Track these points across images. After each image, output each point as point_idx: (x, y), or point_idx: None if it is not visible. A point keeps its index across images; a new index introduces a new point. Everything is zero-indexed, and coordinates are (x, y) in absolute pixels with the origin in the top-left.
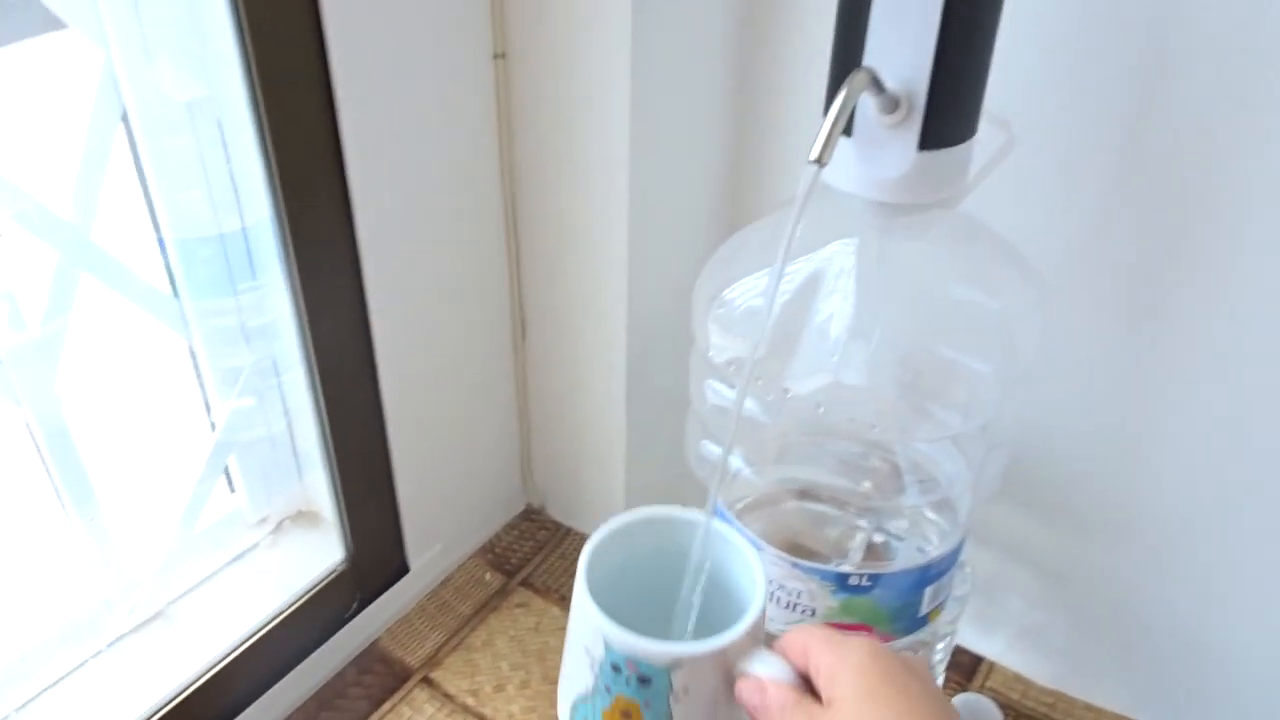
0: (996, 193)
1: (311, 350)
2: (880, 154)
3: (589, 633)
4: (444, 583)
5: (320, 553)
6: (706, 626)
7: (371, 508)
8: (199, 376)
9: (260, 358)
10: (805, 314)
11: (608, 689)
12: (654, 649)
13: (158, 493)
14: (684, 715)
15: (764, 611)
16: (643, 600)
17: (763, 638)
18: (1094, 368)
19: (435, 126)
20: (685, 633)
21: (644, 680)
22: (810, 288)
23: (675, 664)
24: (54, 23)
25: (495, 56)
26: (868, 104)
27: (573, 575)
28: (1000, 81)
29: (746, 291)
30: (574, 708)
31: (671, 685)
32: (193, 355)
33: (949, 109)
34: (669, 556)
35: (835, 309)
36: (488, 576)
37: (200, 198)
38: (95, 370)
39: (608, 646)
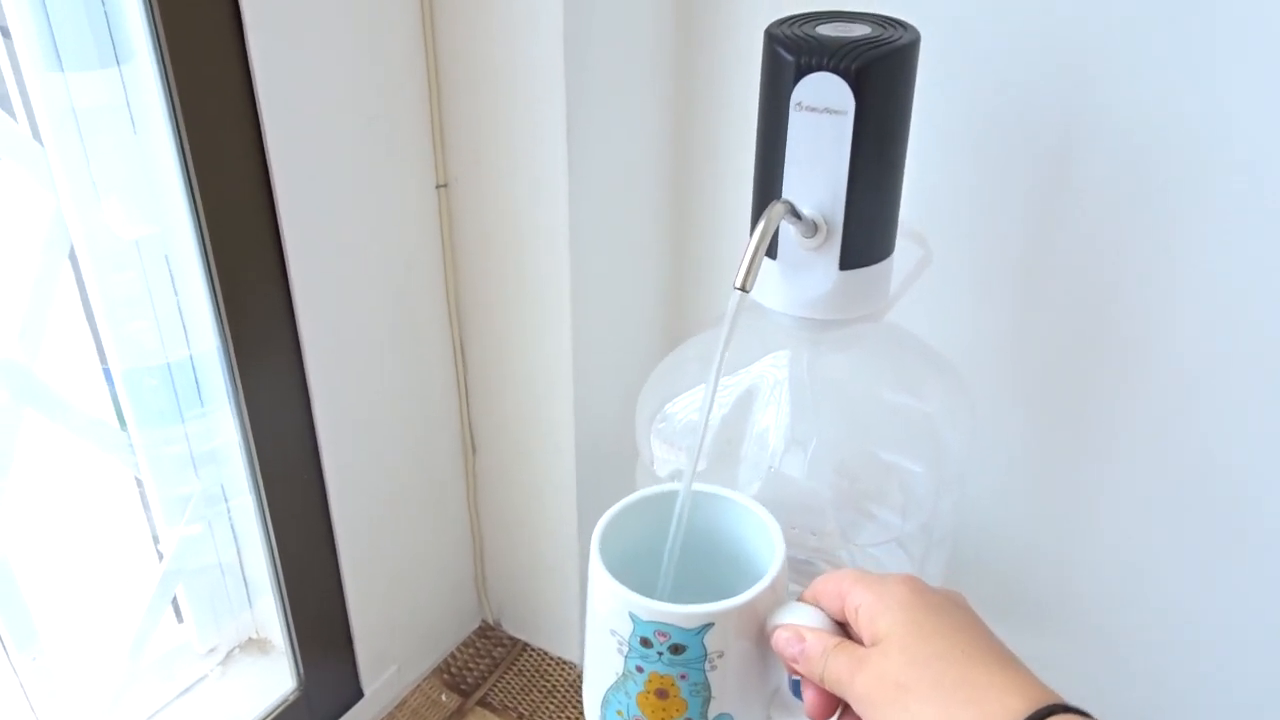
0: (918, 302)
1: (259, 475)
2: (804, 275)
3: (613, 612)
4: (399, 705)
5: (271, 681)
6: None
7: (323, 633)
8: (146, 505)
9: (208, 484)
10: (744, 425)
11: (639, 669)
12: (684, 611)
13: (104, 626)
14: (721, 683)
15: (785, 564)
16: (655, 581)
17: (786, 593)
18: (1024, 464)
19: (380, 255)
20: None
21: (676, 649)
22: (747, 400)
23: (707, 625)
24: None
25: (438, 186)
26: (790, 229)
27: (530, 692)
28: (914, 198)
29: (686, 406)
30: (605, 702)
31: (705, 651)
32: (139, 484)
33: (865, 231)
34: (684, 528)
35: (772, 420)
36: (443, 697)
37: (147, 328)
38: (39, 504)
39: (634, 619)
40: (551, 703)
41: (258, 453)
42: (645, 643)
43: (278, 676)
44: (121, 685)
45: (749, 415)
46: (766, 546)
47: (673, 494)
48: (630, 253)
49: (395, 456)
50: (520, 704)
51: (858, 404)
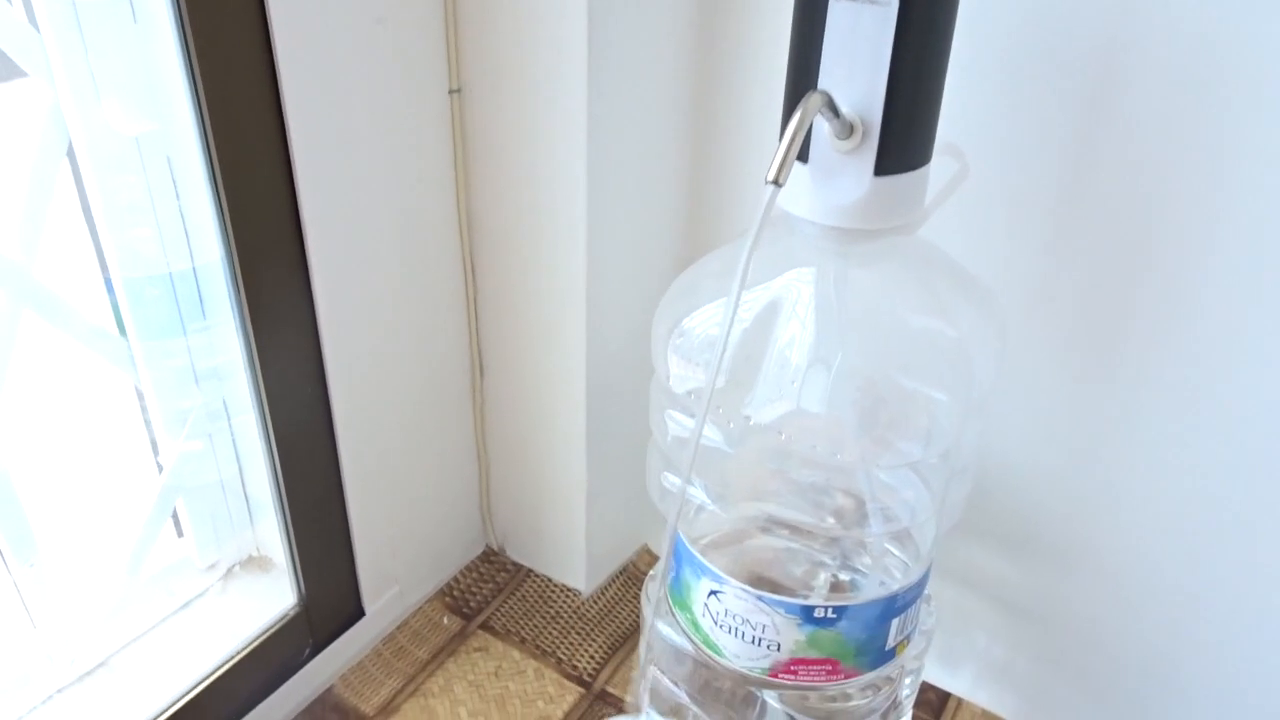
0: (951, 221)
1: (264, 392)
2: (836, 180)
3: None
4: (400, 627)
5: (271, 599)
6: None
7: (325, 550)
8: (146, 418)
9: (210, 400)
10: (765, 342)
11: None
12: None
13: (103, 537)
14: None
15: None
16: None
17: None
18: (1053, 395)
19: (391, 163)
20: None
21: None
22: (769, 316)
23: None
24: (15, 71)
25: (451, 92)
26: (823, 130)
27: (533, 618)
28: (951, 110)
29: (705, 320)
30: None
31: None
32: (140, 396)
33: (904, 135)
34: None
35: (795, 336)
36: (446, 620)
37: (149, 236)
38: (37, 410)
39: None
40: (554, 628)
41: (262, 369)
42: None
43: (278, 594)
44: (121, 597)
45: (770, 332)
46: None
47: None
48: (648, 167)
49: (402, 376)
50: (523, 628)
51: (885, 324)
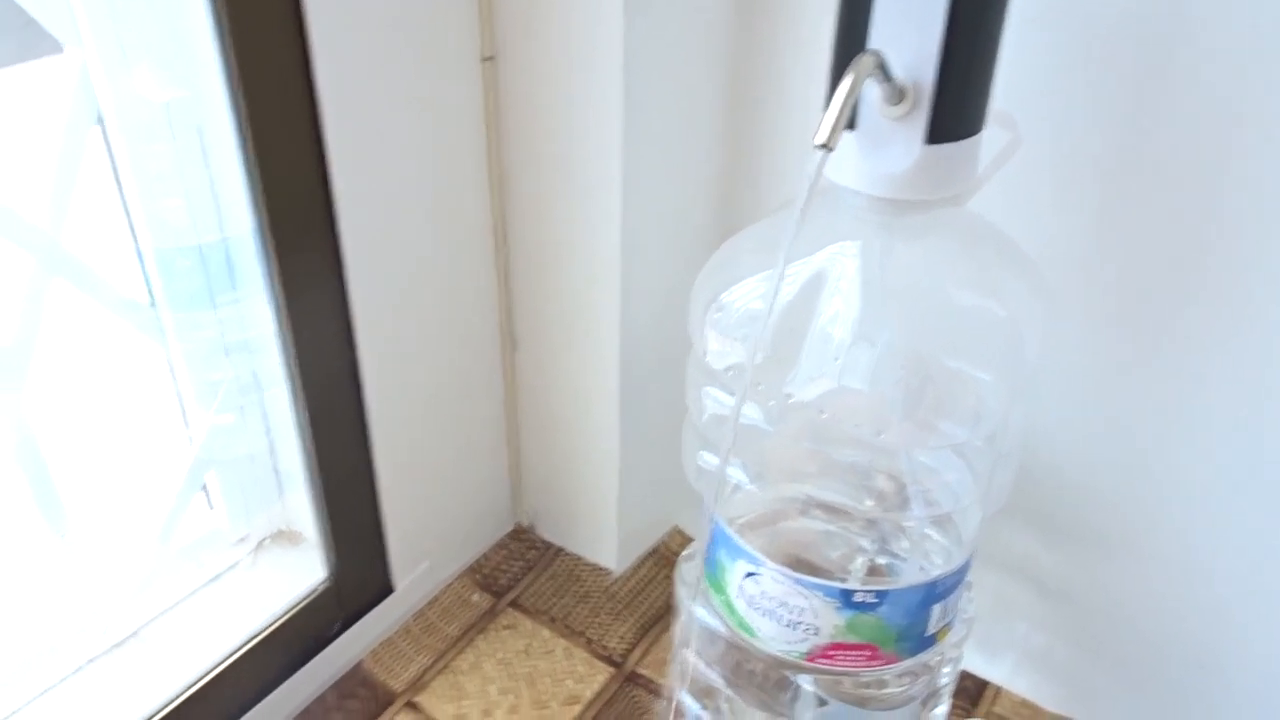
0: (999, 194)
1: (294, 365)
2: (885, 148)
3: None
4: (430, 603)
5: (301, 573)
6: None
7: (355, 525)
8: (177, 389)
9: (241, 372)
10: (807, 317)
11: None
12: None
13: (134, 508)
14: None
15: None
16: None
17: None
18: (1100, 377)
19: (422, 132)
20: None
21: None
22: (812, 290)
23: None
24: (53, 47)
25: (484, 59)
26: (872, 97)
27: (563, 596)
28: (1003, 78)
29: (745, 294)
30: None
31: None
32: (170, 367)
33: (958, 100)
34: None
35: (838, 313)
36: (475, 597)
37: (179, 207)
38: (67, 381)
39: None
40: (584, 608)
41: (293, 341)
42: None
43: (308, 568)
44: (152, 569)
45: (812, 307)
46: None
47: None
48: (685, 134)
49: (432, 349)
50: (552, 607)
51: (931, 300)
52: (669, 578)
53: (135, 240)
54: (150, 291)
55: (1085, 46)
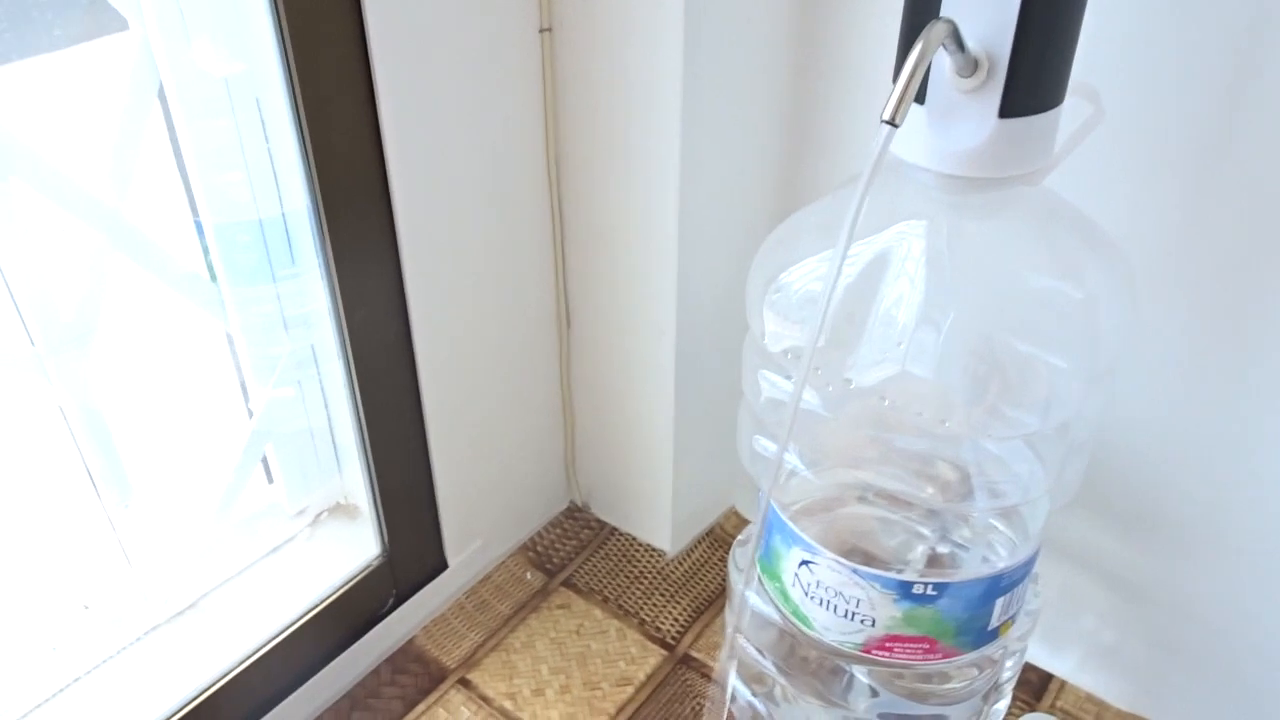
0: (1078, 171)
1: (348, 340)
2: (956, 123)
3: None
4: (483, 581)
5: (357, 547)
6: None
7: (409, 502)
8: (237, 363)
9: (299, 347)
10: (869, 300)
11: None
12: None
13: (195, 481)
14: None
15: None
16: None
17: None
18: (1183, 364)
19: (477, 105)
20: None
21: None
22: (875, 272)
23: None
24: (119, 24)
25: (541, 30)
26: (943, 68)
27: (617, 576)
28: (1086, 47)
29: (805, 275)
30: None
31: None
32: (230, 342)
33: (1034, 71)
34: None
35: (902, 295)
36: (529, 575)
37: (239, 181)
38: (131, 355)
39: None
40: (638, 588)
41: (346, 317)
42: None
43: (364, 542)
44: (212, 540)
45: (876, 289)
46: None
47: None
48: (746, 108)
49: (487, 326)
50: (606, 587)
51: (1002, 283)
52: (724, 560)
53: (196, 215)
54: (210, 266)
55: (1176, 8)
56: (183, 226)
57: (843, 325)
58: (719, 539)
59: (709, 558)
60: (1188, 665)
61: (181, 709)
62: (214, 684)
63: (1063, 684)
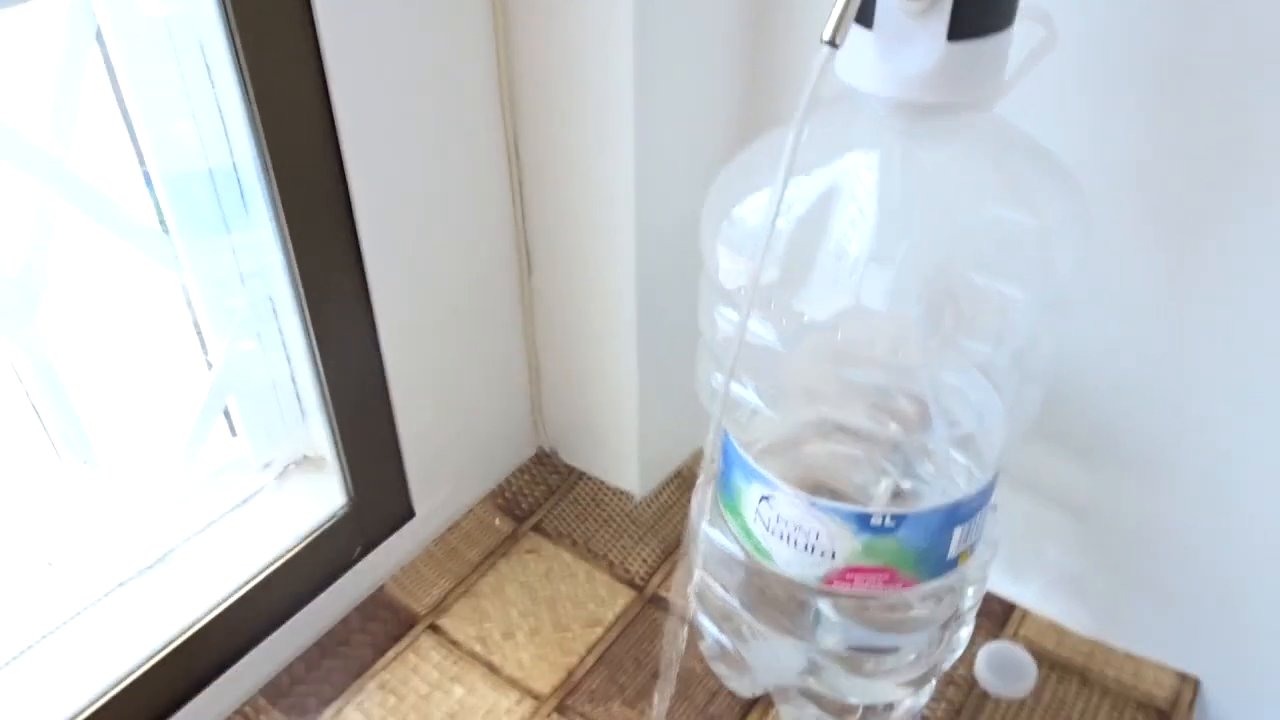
0: (1031, 98)
1: (301, 290)
2: (905, 47)
3: None
4: (451, 528)
5: (324, 498)
6: None
7: (373, 452)
8: (194, 317)
9: (256, 299)
10: (821, 232)
11: None
12: None
13: (157, 435)
14: None
15: None
16: None
17: None
18: (1138, 293)
19: (426, 44)
20: None
21: None
22: (827, 203)
23: None
24: None
25: None
26: None
27: (585, 520)
28: None
29: (757, 208)
30: None
31: None
32: (186, 295)
33: None
34: None
35: (854, 227)
36: (497, 522)
37: (187, 130)
38: (84, 310)
39: None
40: (606, 531)
41: (299, 266)
42: None
43: (331, 493)
44: (178, 494)
45: (828, 221)
46: None
47: None
48: (703, 39)
49: (446, 273)
50: (574, 531)
51: (954, 213)
52: (691, 503)
53: (143, 165)
54: (161, 217)
55: None
56: (131, 178)
57: (795, 258)
58: (687, 481)
59: (677, 500)
60: (1146, 591)
61: (153, 658)
62: (184, 633)
63: (1025, 613)
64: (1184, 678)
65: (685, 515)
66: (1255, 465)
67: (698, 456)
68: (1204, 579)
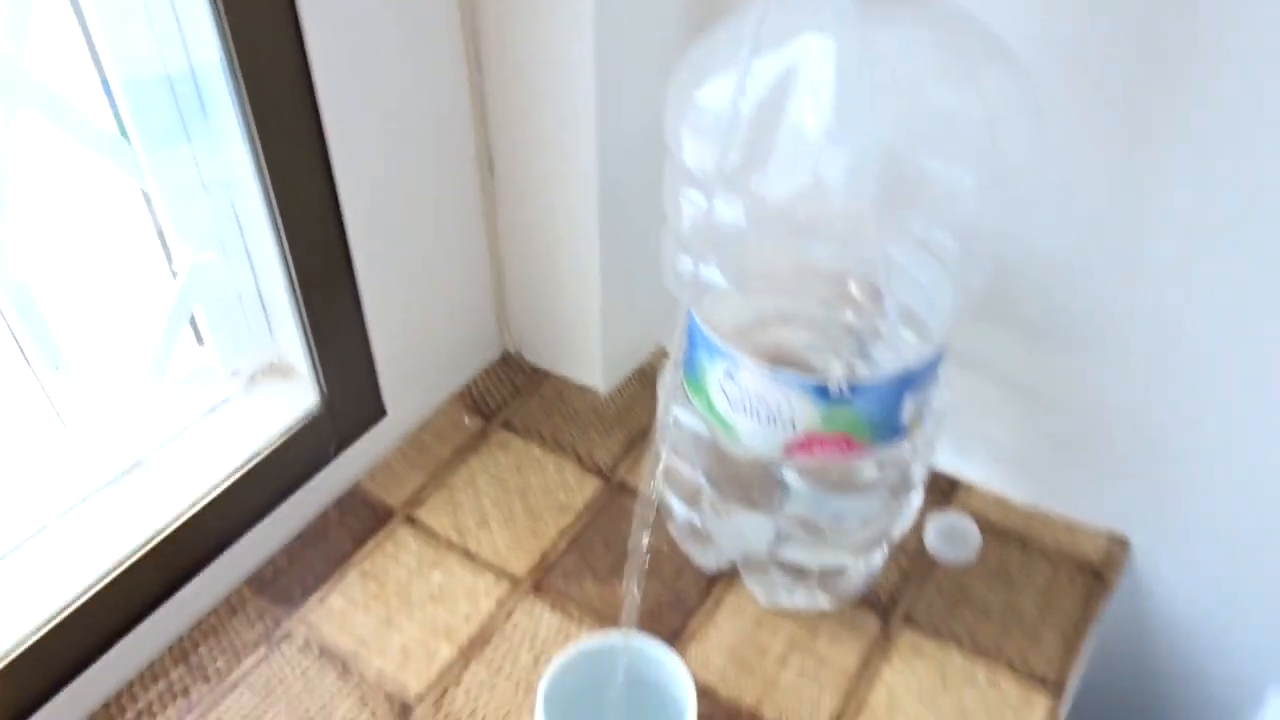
0: None
1: (271, 192)
2: None
3: None
4: (422, 427)
5: (295, 403)
6: None
7: (344, 352)
8: (158, 226)
9: (220, 208)
10: (779, 114)
11: None
12: None
13: (126, 343)
14: None
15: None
16: (597, 715)
17: None
18: (1080, 174)
19: None
20: None
21: None
22: (784, 85)
23: None
24: None
25: None
26: None
27: (552, 416)
28: None
29: (719, 92)
30: None
31: None
32: (149, 203)
33: None
34: (613, 676)
35: (811, 107)
36: (466, 420)
37: (143, 33)
38: (48, 218)
39: None
40: (573, 426)
41: (270, 171)
42: None
43: (301, 397)
44: (148, 403)
45: (785, 103)
46: (686, 700)
47: (610, 649)
48: None
49: (411, 178)
50: (542, 426)
51: (906, 94)
52: (655, 396)
53: (101, 72)
54: (121, 125)
55: None
56: (90, 86)
57: (756, 139)
58: (649, 376)
59: (640, 394)
60: (1084, 461)
61: (135, 555)
62: (167, 528)
63: (970, 487)
64: (1115, 539)
65: (649, 409)
66: (1187, 336)
67: (659, 354)
68: (1135, 450)
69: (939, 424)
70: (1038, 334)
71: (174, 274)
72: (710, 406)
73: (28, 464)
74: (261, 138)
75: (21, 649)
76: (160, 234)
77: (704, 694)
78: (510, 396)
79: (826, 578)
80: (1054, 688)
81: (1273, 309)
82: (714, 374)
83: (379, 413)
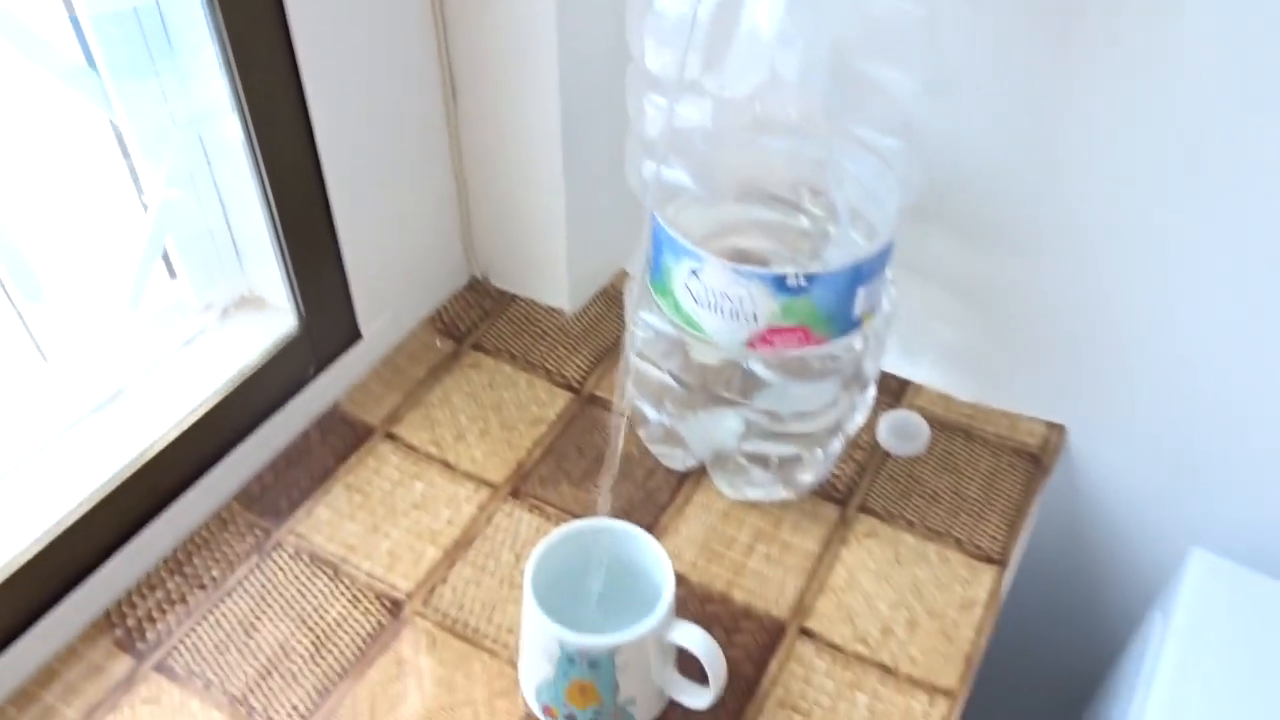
0: None
1: (248, 116)
2: None
3: (545, 638)
4: (396, 350)
5: (269, 332)
6: (632, 608)
7: (320, 277)
8: (129, 161)
9: (189, 142)
10: (736, 18)
11: (565, 674)
12: (599, 642)
13: (101, 274)
14: (627, 680)
15: (674, 594)
16: (580, 594)
17: (673, 615)
18: (1018, 79)
19: None
20: (618, 619)
21: (593, 664)
22: None
23: (616, 650)
24: None
25: None
26: None
27: (521, 336)
28: None
29: None
30: (538, 690)
31: (615, 663)
32: (119, 138)
33: None
34: (594, 558)
35: (766, 10)
36: (438, 342)
37: None
38: (19, 150)
39: (562, 646)
40: (542, 345)
41: (244, 90)
42: (570, 660)
43: (276, 329)
44: (127, 335)
45: (740, 6)
46: (661, 573)
47: (592, 530)
48: None
49: (379, 106)
50: (512, 345)
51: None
52: (619, 315)
53: (69, 6)
54: (90, 58)
55: None
56: (57, 19)
57: (715, 42)
58: (613, 297)
59: (605, 313)
60: (1022, 356)
61: (122, 475)
62: (150, 451)
63: (919, 387)
64: (1052, 426)
65: (614, 327)
66: (1117, 236)
67: (621, 276)
68: (1070, 344)
69: (888, 323)
70: (977, 235)
71: (144, 207)
72: (677, 307)
73: (11, 395)
74: (239, 66)
75: (19, 564)
76: (131, 169)
77: (678, 582)
78: (480, 320)
79: (788, 467)
80: (998, 562)
81: (1195, 205)
82: (679, 274)
83: (354, 336)
